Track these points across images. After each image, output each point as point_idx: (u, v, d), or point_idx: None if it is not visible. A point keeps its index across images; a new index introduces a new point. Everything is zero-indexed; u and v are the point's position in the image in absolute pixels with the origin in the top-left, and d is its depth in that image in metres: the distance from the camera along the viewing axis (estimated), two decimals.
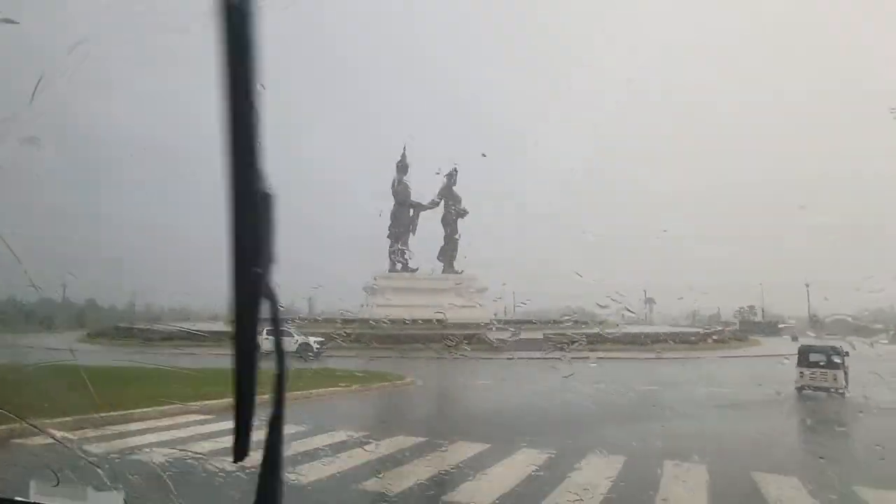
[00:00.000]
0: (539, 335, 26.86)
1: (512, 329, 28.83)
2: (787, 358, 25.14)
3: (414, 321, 27.36)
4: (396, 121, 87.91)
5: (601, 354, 23.71)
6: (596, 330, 28.58)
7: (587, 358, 23.66)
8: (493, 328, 26.42)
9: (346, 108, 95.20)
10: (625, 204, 78.99)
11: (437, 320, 27.94)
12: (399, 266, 43.79)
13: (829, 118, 79.87)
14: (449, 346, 24.43)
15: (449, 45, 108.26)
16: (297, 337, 23.18)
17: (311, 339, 23.39)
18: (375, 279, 42.57)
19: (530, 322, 32.94)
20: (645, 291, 49.07)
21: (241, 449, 0.93)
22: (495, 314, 39.13)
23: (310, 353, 22.61)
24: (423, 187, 44.78)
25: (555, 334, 26.78)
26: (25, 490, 2.00)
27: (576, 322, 34.73)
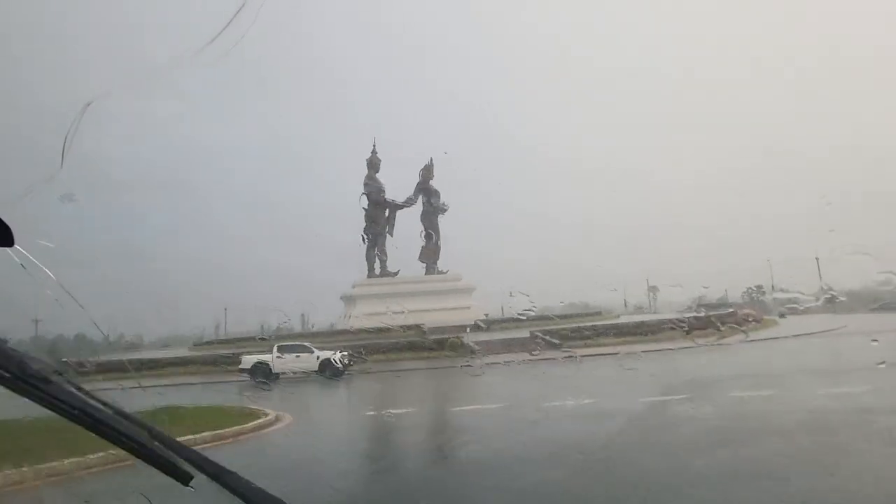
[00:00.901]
0: (526, 333, 23.53)
1: (497, 329, 25.58)
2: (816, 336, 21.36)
3: (385, 329, 24.11)
4: (380, 118, 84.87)
5: (599, 350, 20.43)
6: (592, 322, 25.35)
7: (583, 356, 20.32)
8: (468, 330, 23.17)
9: (332, 110, 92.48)
10: (621, 193, 75.81)
11: (415, 326, 24.82)
12: (378, 271, 40.55)
13: (833, 92, 76.70)
14: (420, 356, 21.19)
15: (434, 35, 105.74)
16: (316, 353, 20.04)
17: (337, 354, 19.97)
18: (354, 287, 39.46)
19: (521, 320, 29.66)
20: (647, 280, 45.68)
21: None
22: (486, 314, 35.80)
23: (333, 372, 19.16)
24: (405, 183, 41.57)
25: (543, 331, 23.35)
26: None
27: (572, 316, 31.46)
